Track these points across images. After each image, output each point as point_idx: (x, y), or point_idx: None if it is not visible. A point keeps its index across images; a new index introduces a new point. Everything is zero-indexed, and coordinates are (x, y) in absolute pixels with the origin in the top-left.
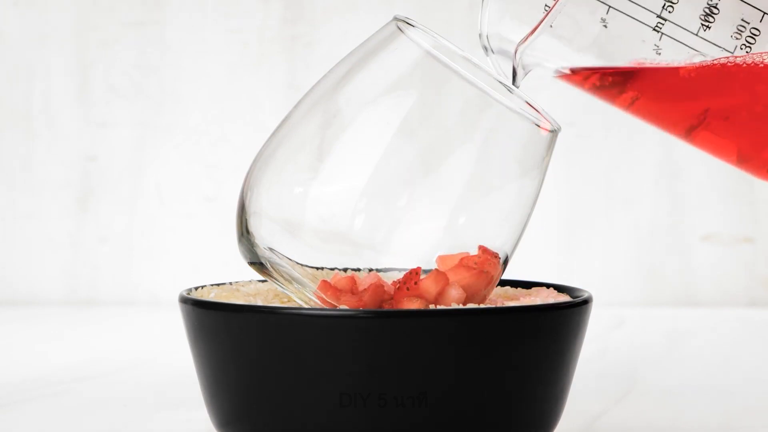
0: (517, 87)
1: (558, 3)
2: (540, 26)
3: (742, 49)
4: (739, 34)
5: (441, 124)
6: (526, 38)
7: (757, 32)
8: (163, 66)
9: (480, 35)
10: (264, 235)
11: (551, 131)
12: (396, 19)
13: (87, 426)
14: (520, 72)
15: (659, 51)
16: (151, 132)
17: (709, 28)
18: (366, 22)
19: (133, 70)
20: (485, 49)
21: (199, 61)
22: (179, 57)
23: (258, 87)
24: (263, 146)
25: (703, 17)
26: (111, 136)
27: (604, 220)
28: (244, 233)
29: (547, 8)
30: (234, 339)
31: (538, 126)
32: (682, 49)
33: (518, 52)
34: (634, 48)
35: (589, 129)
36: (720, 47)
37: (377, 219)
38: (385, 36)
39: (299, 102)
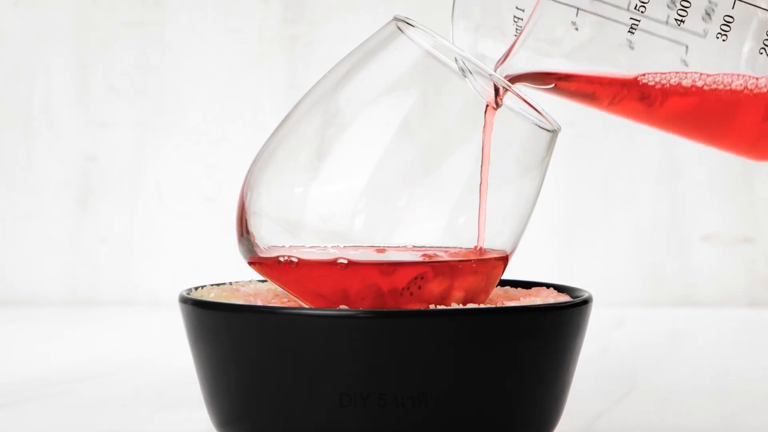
0: (501, 106)
1: (532, 16)
2: (517, 43)
3: (718, 38)
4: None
5: (441, 124)
6: (505, 57)
7: (731, 19)
8: (163, 66)
9: (456, 59)
10: (264, 235)
11: (551, 131)
12: (396, 19)
13: (87, 426)
14: (502, 90)
15: (632, 46)
16: (151, 132)
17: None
18: (366, 22)
19: (133, 70)
20: (462, 71)
21: (199, 61)
22: (179, 57)
23: (258, 87)
24: (263, 146)
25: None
26: (111, 136)
27: (604, 220)
28: (244, 233)
29: (516, 19)
30: (234, 339)
31: (538, 126)
32: (658, 43)
33: (498, 72)
34: (611, 48)
35: (589, 129)
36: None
37: (377, 219)
38: (385, 36)
39: (299, 102)
